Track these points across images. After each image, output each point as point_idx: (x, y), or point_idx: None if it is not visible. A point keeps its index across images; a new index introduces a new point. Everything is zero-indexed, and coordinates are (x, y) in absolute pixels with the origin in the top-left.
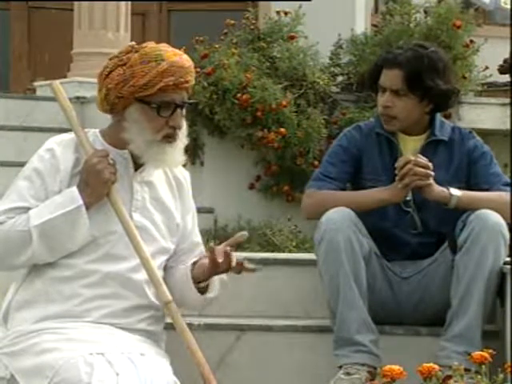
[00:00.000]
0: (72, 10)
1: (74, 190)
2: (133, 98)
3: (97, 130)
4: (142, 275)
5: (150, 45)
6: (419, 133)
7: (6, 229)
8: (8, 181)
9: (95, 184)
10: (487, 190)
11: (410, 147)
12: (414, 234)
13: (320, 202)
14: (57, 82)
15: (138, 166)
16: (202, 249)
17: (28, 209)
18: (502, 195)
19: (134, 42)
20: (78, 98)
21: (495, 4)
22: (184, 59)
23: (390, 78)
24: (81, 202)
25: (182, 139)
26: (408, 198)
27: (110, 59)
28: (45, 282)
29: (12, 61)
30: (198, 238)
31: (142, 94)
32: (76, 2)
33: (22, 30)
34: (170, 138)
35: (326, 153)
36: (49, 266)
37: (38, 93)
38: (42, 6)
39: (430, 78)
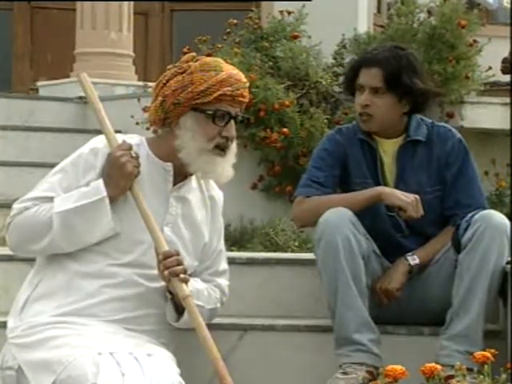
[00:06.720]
0: (74, 10)
1: (100, 181)
2: (189, 106)
3: (143, 137)
4: (162, 283)
5: (210, 58)
6: (396, 135)
7: (30, 214)
8: (10, 180)
9: (118, 177)
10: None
11: (388, 150)
12: (403, 236)
13: (314, 208)
14: (84, 74)
15: (177, 181)
16: (221, 282)
17: None
18: (451, 231)
19: (194, 54)
20: (80, 97)
21: (498, 3)
22: (241, 75)
23: (370, 76)
24: (105, 193)
25: (233, 154)
26: None
27: (169, 69)
28: (67, 276)
29: (14, 61)
30: (222, 265)
31: (198, 102)
32: (78, 2)
33: (25, 30)
34: (221, 149)
35: (312, 158)
36: (74, 261)
37: (41, 93)
38: (45, 6)
39: (408, 77)
